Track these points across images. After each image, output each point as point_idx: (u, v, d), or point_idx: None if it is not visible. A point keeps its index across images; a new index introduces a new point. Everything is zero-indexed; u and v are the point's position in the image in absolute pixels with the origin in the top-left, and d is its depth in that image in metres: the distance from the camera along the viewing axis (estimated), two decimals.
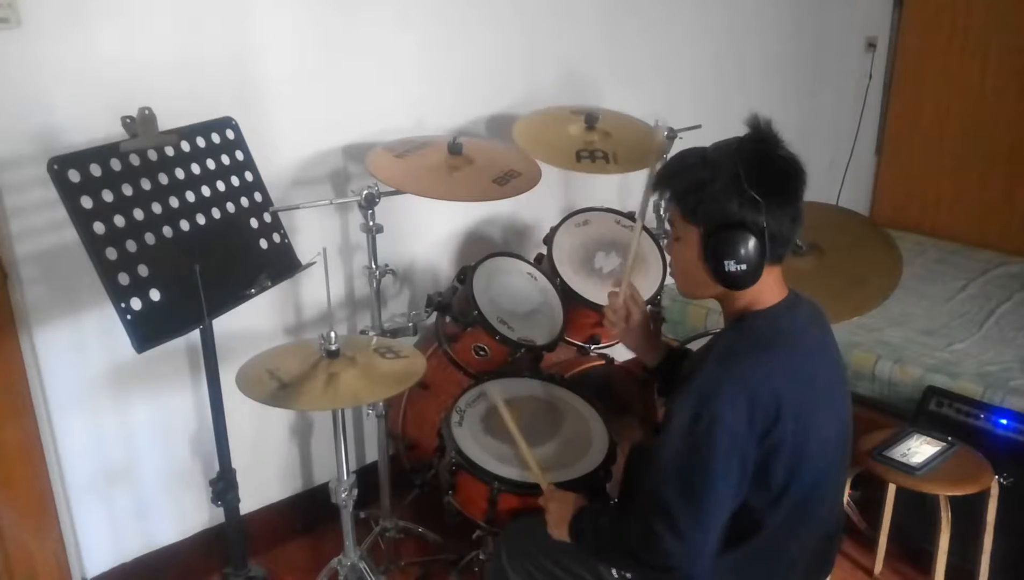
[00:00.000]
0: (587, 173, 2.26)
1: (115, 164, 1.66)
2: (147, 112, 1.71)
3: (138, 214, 1.67)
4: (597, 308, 2.23)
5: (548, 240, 2.34)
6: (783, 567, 1.50)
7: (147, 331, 1.62)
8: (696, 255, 1.42)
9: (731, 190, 1.36)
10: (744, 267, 1.37)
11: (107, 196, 1.62)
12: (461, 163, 2.12)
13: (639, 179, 2.41)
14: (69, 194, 1.57)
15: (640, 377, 2.53)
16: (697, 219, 1.41)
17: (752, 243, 1.36)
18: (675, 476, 1.38)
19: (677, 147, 2.40)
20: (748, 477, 1.37)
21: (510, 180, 2.10)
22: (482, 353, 2.19)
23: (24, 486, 1.97)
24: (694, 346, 2.37)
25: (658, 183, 1.49)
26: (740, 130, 1.46)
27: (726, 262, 1.38)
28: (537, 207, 2.76)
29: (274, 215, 1.96)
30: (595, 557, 1.58)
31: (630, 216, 2.47)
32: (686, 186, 1.43)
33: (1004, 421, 2.30)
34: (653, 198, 1.46)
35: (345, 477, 1.84)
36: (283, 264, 1.96)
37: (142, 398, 2.11)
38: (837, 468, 1.54)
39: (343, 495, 1.84)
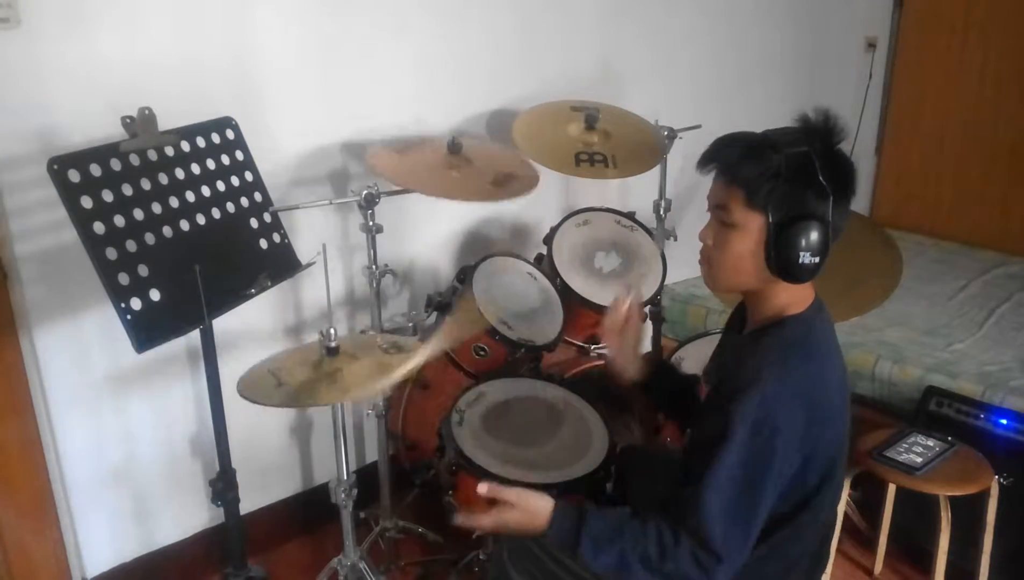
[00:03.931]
0: (587, 178, 2.26)
1: (115, 164, 1.66)
2: (147, 112, 1.71)
3: (138, 214, 1.67)
4: (597, 308, 2.23)
5: (548, 240, 2.34)
6: (789, 565, 1.50)
7: (147, 331, 1.62)
8: (755, 244, 1.36)
9: (806, 180, 1.32)
10: (817, 260, 1.34)
11: (107, 196, 1.63)
12: (460, 163, 2.12)
13: (640, 179, 2.42)
14: (69, 194, 1.57)
15: None
16: (766, 207, 1.33)
17: (823, 235, 1.33)
18: (726, 491, 1.31)
19: (677, 147, 2.43)
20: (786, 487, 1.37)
21: (507, 183, 2.11)
22: (482, 353, 2.19)
23: (24, 486, 1.97)
24: (691, 347, 2.39)
25: (711, 158, 1.39)
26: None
27: (801, 254, 1.33)
28: (537, 207, 2.76)
29: (274, 215, 1.96)
30: (586, 559, 1.38)
31: (630, 216, 2.47)
32: (758, 171, 1.33)
33: (1004, 421, 2.30)
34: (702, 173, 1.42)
35: (345, 477, 1.84)
36: (283, 264, 1.96)
37: (142, 398, 2.11)
38: (844, 468, 1.54)
39: (343, 495, 1.84)
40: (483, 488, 1.49)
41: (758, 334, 1.45)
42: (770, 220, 1.33)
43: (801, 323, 1.42)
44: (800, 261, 1.34)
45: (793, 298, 1.43)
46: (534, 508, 1.43)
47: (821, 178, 1.31)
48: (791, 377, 1.35)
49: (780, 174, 1.32)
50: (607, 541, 1.37)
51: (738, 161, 1.35)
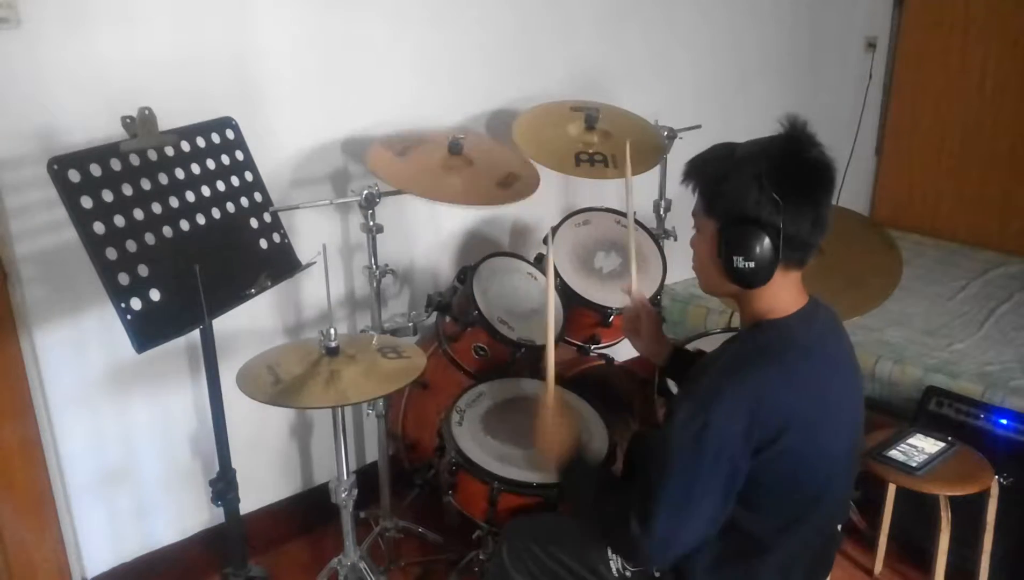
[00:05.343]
0: (587, 178, 2.27)
1: (115, 164, 1.66)
2: (147, 112, 1.71)
3: (138, 214, 1.67)
4: (597, 308, 2.23)
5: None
6: (779, 575, 1.50)
7: (147, 331, 1.62)
8: (711, 249, 1.41)
9: (750, 186, 1.34)
10: (753, 265, 1.35)
11: (107, 196, 1.62)
12: (461, 164, 2.12)
13: (639, 179, 2.41)
14: (69, 194, 1.57)
15: (640, 377, 2.54)
16: (715, 213, 1.40)
17: (765, 241, 1.34)
18: (659, 472, 1.38)
19: (677, 147, 2.43)
20: (736, 488, 1.37)
21: (512, 184, 2.11)
22: (482, 353, 2.19)
23: (24, 486, 1.97)
24: (698, 345, 2.39)
25: (685, 173, 1.45)
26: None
27: (735, 258, 1.36)
28: (537, 207, 2.75)
29: (274, 215, 1.96)
30: (573, 508, 1.63)
31: None
32: (708, 178, 1.41)
33: (1004, 421, 2.30)
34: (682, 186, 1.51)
35: (345, 477, 1.84)
36: (283, 264, 1.96)
37: (142, 398, 2.11)
38: (844, 480, 1.52)
39: (343, 495, 1.84)
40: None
41: (735, 338, 1.50)
42: (719, 226, 1.39)
43: (775, 328, 1.42)
44: (735, 265, 1.37)
45: (774, 303, 1.42)
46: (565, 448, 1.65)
47: (766, 183, 1.33)
48: (739, 377, 1.36)
49: (727, 180, 1.37)
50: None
51: (697, 169, 1.43)
